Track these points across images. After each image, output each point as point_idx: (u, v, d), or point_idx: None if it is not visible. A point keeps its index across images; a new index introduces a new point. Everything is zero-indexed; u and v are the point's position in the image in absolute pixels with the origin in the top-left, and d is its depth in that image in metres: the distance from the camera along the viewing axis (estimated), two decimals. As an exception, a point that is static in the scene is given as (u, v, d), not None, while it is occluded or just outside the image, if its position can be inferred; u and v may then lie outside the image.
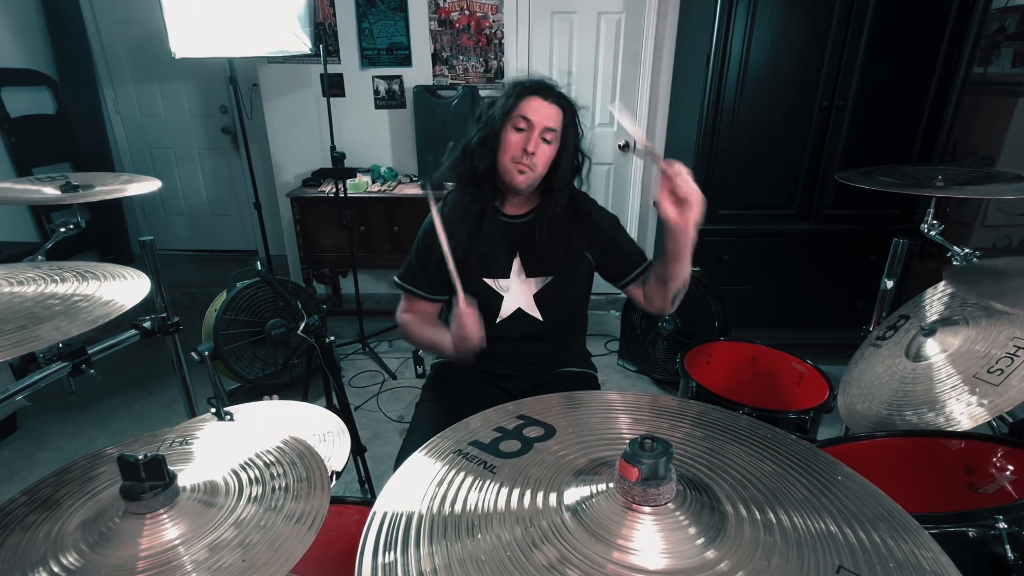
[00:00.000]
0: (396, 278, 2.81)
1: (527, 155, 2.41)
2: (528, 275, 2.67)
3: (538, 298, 2.69)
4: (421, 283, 2.74)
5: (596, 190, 6.50)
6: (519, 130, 2.42)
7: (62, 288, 1.60)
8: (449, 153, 2.65)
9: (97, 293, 1.58)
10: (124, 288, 1.64)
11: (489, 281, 2.66)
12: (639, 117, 6.17)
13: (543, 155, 2.45)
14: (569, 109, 2.50)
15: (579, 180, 2.66)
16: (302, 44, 5.23)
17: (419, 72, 6.12)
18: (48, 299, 1.52)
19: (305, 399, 2.86)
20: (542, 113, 2.41)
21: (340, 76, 6.14)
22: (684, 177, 1.96)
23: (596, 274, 2.78)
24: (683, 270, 2.29)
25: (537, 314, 2.71)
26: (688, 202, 1.98)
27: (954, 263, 2.68)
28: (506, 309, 2.70)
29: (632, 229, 6.64)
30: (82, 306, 1.51)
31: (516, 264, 2.66)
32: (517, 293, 2.69)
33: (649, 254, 2.62)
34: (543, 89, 2.44)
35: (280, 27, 5.06)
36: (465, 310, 2.32)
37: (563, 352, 2.89)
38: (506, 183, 2.52)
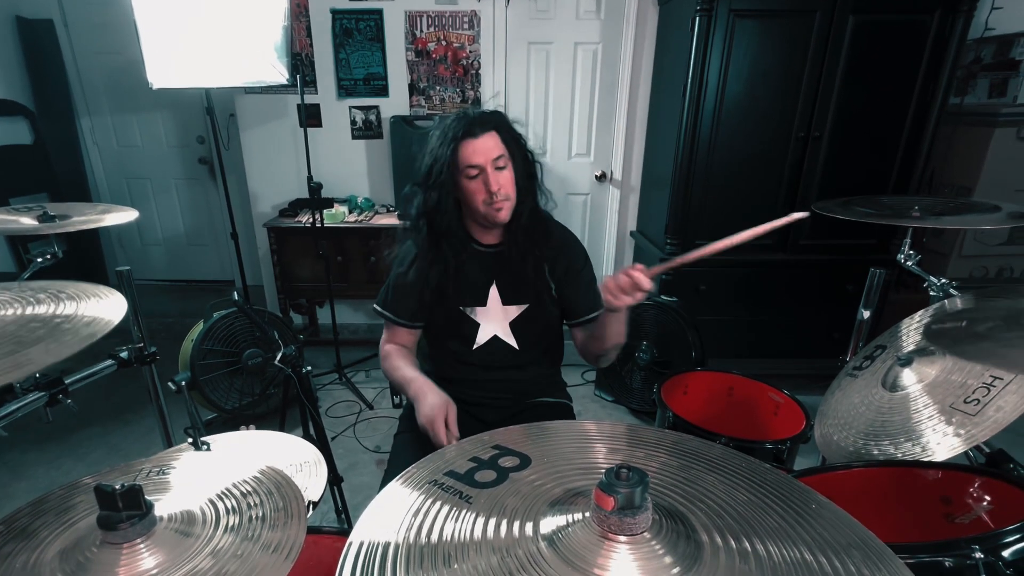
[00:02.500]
0: (375, 305, 2.82)
1: (496, 195, 2.42)
2: (505, 303, 2.68)
3: (514, 325, 2.71)
4: (398, 311, 2.75)
5: (573, 220, 6.54)
6: (472, 178, 2.43)
7: (40, 310, 1.59)
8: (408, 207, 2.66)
9: (77, 313, 1.58)
10: (102, 306, 1.64)
11: (466, 310, 2.68)
12: (615, 148, 6.23)
13: (507, 182, 2.46)
14: (502, 125, 2.50)
15: (541, 191, 2.66)
16: (279, 74, 5.23)
17: (396, 102, 6.14)
18: (30, 322, 1.52)
19: (282, 429, 2.86)
20: (482, 150, 2.41)
21: (317, 106, 6.16)
22: (636, 287, 2.07)
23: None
24: (614, 336, 2.37)
25: (513, 342, 2.72)
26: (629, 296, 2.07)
27: (931, 293, 2.69)
28: (482, 336, 2.71)
29: (608, 259, 6.69)
30: (65, 327, 1.50)
31: (493, 292, 2.68)
32: (494, 321, 2.70)
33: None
34: (470, 128, 2.42)
35: (257, 57, 5.07)
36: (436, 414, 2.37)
37: (538, 381, 2.89)
38: (489, 222, 2.54)
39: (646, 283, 2.03)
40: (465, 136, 2.41)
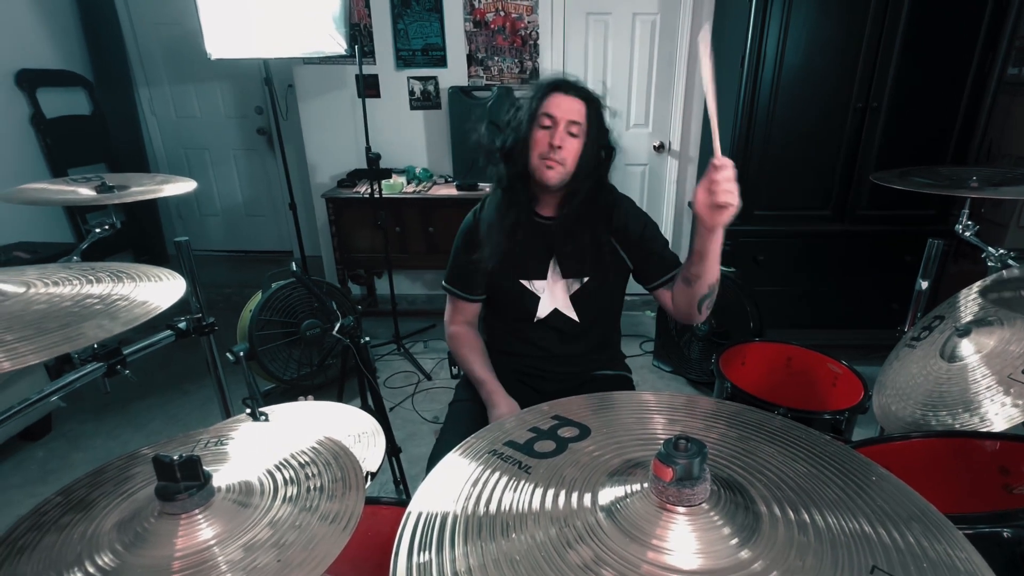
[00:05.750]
0: (443, 282, 2.89)
1: (554, 150, 2.43)
2: (564, 276, 2.69)
3: (574, 299, 2.71)
4: (465, 286, 2.79)
5: (631, 191, 6.46)
6: (545, 128, 2.44)
7: (98, 289, 1.60)
8: (481, 154, 2.69)
9: (133, 294, 1.58)
10: (159, 289, 1.64)
11: (526, 283, 2.69)
12: (674, 119, 6.18)
13: (570, 149, 2.46)
14: (593, 102, 2.52)
15: (603, 179, 2.67)
16: (337, 45, 5.25)
17: (454, 73, 6.14)
18: (86, 299, 1.53)
19: (340, 400, 2.86)
20: (564, 107, 2.44)
21: (375, 77, 6.16)
22: (727, 178, 1.95)
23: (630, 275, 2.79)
24: (709, 271, 2.29)
25: (573, 314, 2.73)
26: (723, 206, 1.97)
27: (989, 264, 2.66)
28: (543, 310, 2.72)
29: (667, 231, 6.60)
30: (121, 305, 1.51)
31: (552, 265, 2.68)
32: (553, 294, 2.71)
33: (683, 257, 2.58)
34: (564, 84, 2.48)
35: (315, 28, 5.09)
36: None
37: (598, 354, 2.89)
38: (537, 181, 2.53)
39: (725, 162, 1.96)
40: (556, 89, 2.47)
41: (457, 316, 2.89)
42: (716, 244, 2.18)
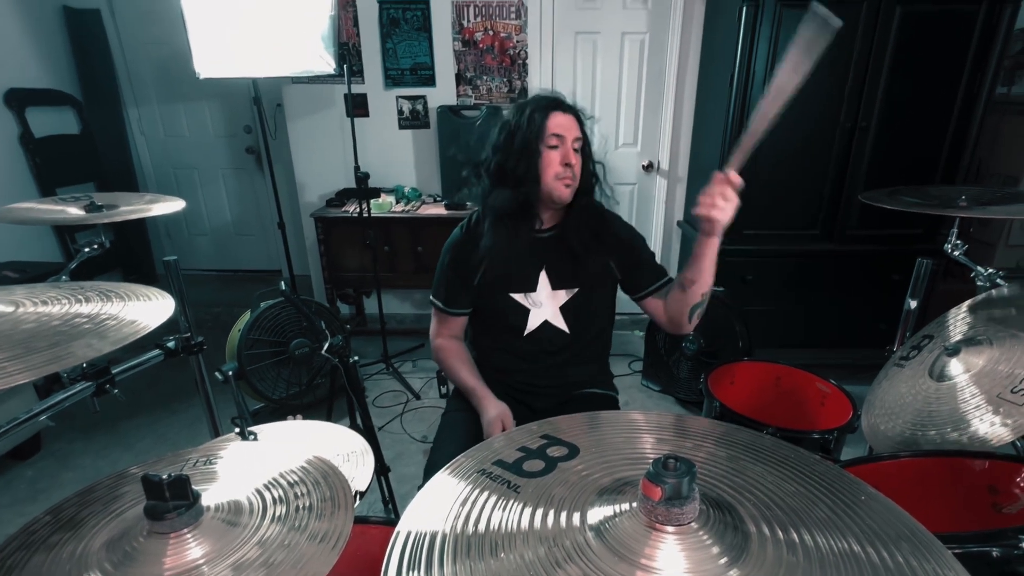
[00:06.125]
0: (431, 297, 2.89)
1: (568, 168, 2.47)
2: (555, 287, 2.70)
3: (565, 310, 2.72)
4: (451, 300, 2.81)
5: (620, 210, 6.39)
6: (553, 147, 2.47)
7: (87, 308, 1.60)
8: (479, 177, 2.70)
9: (122, 313, 1.58)
10: (148, 308, 1.64)
11: (516, 296, 2.70)
12: (662, 138, 6.22)
13: (578, 165, 2.52)
14: (579, 116, 2.60)
15: (601, 189, 2.73)
16: (326, 64, 5.26)
17: (443, 92, 6.14)
18: (75, 318, 1.53)
19: (329, 419, 2.87)
20: (566, 125, 2.50)
21: (364, 96, 6.16)
22: (719, 193, 2.06)
23: (619, 291, 2.82)
24: (703, 277, 2.34)
25: (564, 326, 2.73)
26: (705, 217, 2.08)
27: (978, 283, 2.67)
28: (533, 322, 2.72)
29: (656, 250, 6.54)
30: (110, 324, 1.51)
31: (543, 277, 2.69)
32: (544, 306, 2.72)
33: (672, 275, 2.64)
34: (562, 103, 2.54)
35: (304, 47, 5.10)
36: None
37: (587, 369, 2.90)
38: (551, 199, 2.56)
39: (735, 178, 2.05)
40: (555, 108, 2.52)
41: (443, 329, 2.91)
42: (711, 250, 2.24)
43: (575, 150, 2.51)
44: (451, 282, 2.78)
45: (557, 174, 2.49)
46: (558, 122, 2.48)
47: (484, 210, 2.67)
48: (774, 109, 1.89)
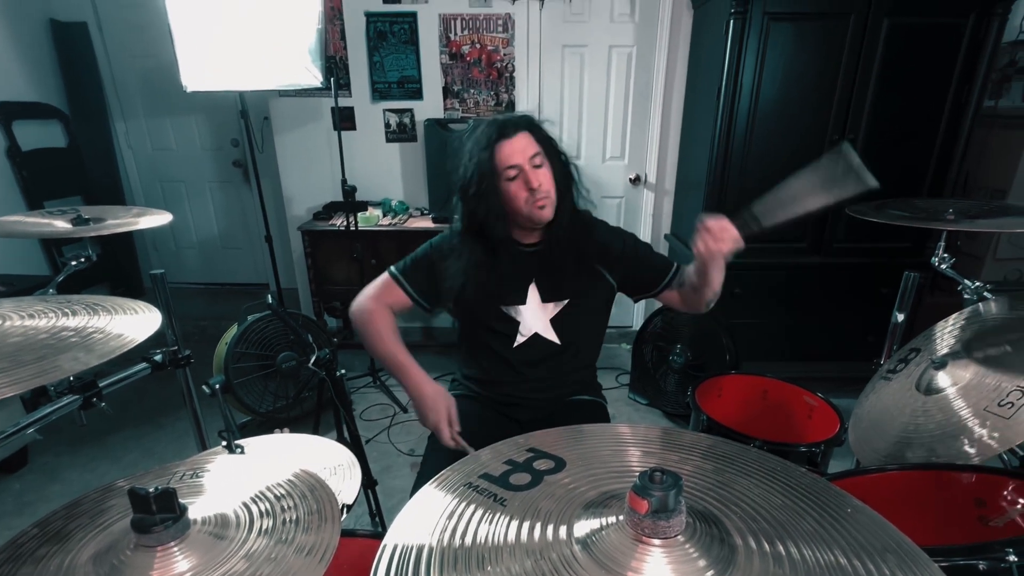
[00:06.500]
0: (392, 267, 2.83)
1: (536, 192, 2.43)
2: (544, 300, 2.68)
3: (555, 322, 2.70)
4: (416, 283, 2.77)
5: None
6: (511, 179, 2.45)
7: (74, 321, 1.60)
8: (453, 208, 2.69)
9: (109, 326, 1.59)
10: (135, 322, 1.64)
11: (505, 309, 2.68)
12: (649, 151, 6.23)
13: (546, 178, 2.47)
14: (533, 125, 2.52)
15: (578, 192, 2.67)
16: (313, 78, 5.26)
17: (430, 105, 6.16)
18: (62, 331, 1.53)
19: (316, 432, 2.87)
20: (518, 149, 2.44)
21: (351, 109, 6.17)
22: (717, 228, 2.18)
23: (620, 295, 2.83)
24: (713, 282, 2.39)
25: (554, 337, 2.72)
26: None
27: (965, 296, 2.68)
28: (523, 335, 2.71)
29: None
30: (97, 338, 1.51)
31: (532, 290, 2.68)
32: (534, 319, 2.70)
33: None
34: (505, 129, 2.46)
35: (291, 61, 5.11)
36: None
37: (576, 378, 2.88)
38: (532, 222, 2.54)
39: (735, 233, 2.18)
40: (500, 139, 2.43)
41: (383, 296, 2.81)
42: (719, 272, 2.34)
43: (536, 167, 2.45)
44: (421, 267, 2.76)
45: (527, 200, 2.46)
46: (507, 153, 2.43)
47: (466, 247, 2.64)
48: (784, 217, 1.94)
